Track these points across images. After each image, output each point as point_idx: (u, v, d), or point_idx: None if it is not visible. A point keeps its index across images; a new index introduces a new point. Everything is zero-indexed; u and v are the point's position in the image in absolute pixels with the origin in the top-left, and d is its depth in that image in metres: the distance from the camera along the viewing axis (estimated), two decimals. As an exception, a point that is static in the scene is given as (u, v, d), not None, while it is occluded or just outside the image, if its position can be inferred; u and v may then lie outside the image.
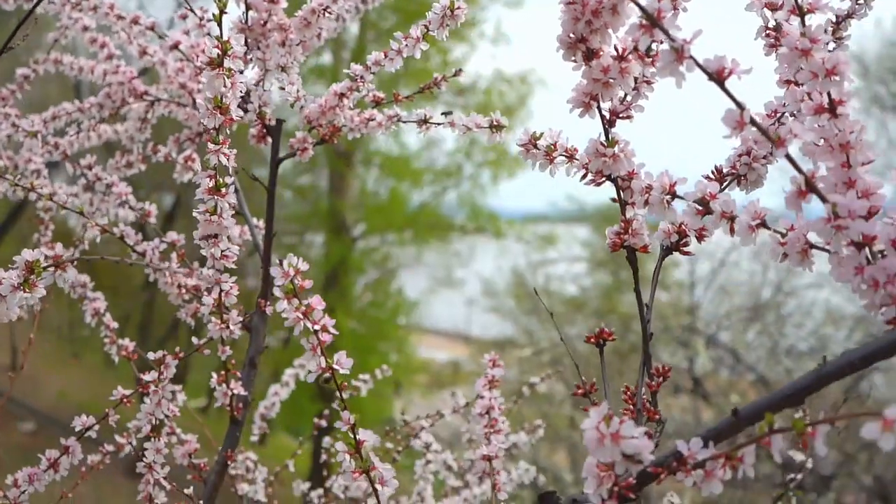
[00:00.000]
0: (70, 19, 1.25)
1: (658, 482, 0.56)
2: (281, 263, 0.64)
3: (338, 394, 0.67)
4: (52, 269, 0.68)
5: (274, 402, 1.48)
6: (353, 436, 0.68)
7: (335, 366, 0.66)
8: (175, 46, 1.10)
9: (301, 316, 0.65)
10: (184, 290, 1.07)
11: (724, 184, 0.71)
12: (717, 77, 0.53)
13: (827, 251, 0.56)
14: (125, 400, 0.96)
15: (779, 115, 0.72)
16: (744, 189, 0.72)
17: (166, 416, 1.01)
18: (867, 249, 0.55)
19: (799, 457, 1.15)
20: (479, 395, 1.02)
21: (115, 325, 1.15)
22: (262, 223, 1.16)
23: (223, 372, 1.00)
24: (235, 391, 1.01)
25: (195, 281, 1.06)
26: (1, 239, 8.18)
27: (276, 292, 0.64)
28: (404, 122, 1.01)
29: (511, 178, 11.64)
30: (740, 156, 0.71)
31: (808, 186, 0.54)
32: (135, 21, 1.13)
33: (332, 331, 0.66)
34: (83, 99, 1.28)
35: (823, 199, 0.54)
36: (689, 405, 7.23)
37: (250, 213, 1.17)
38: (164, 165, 1.33)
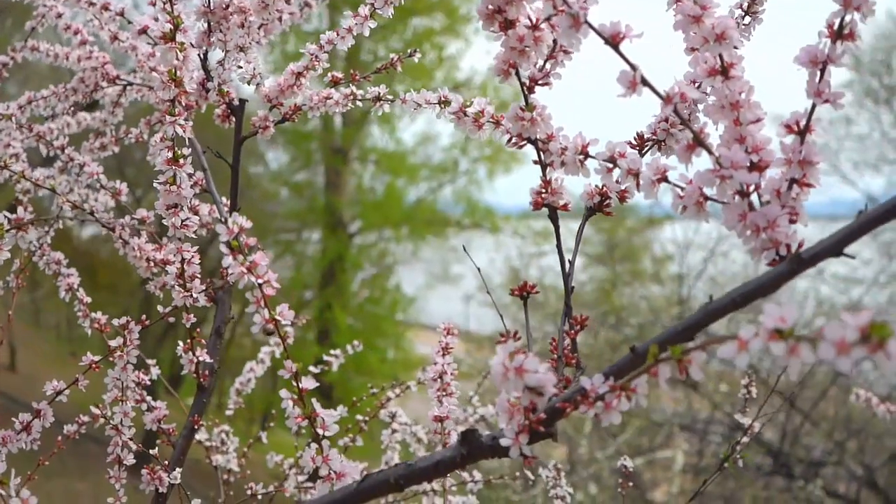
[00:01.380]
0: (45, 7, 1.30)
1: (565, 416, 0.61)
2: (225, 222, 0.69)
3: (282, 344, 0.72)
4: (14, 231, 0.73)
5: (249, 377, 1.53)
6: (296, 384, 0.73)
7: (277, 317, 0.71)
8: (143, 31, 1.14)
9: (245, 270, 0.69)
10: (152, 264, 1.11)
11: (645, 148, 0.76)
12: (612, 41, 0.58)
13: (720, 202, 0.61)
14: (94, 366, 1.01)
15: (696, 83, 0.76)
16: (664, 153, 0.77)
17: (136, 384, 1.06)
18: (754, 198, 0.60)
19: (745, 420, 1.20)
20: (434, 362, 1.07)
21: (88, 299, 1.19)
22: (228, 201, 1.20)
23: (189, 340, 1.05)
24: (201, 359, 1.06)
25: (163, 255, 1.11)
26: None
27: (222, 248, 0.69)
28: (360, 100, 1.06)
29: (507, 174, 11.69)
30: (660, 122, 0.76)
31: (697, 141, 0.59)
32: (105, 7, 1.18)
33: (275, 284, 0.71)
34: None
35: (710, 152, 0.59)
36: (683, 397, 7.30)
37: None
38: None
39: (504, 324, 0.92)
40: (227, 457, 1.36)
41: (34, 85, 1.51)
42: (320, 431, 0.73)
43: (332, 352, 1.50)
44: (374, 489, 0.66)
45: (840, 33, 0.59)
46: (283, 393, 0.73)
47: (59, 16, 1.29)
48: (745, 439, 1.16)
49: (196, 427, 1.09)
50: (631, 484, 1.20)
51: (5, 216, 0.73)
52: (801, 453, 6.38)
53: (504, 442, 0.62)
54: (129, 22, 1.19)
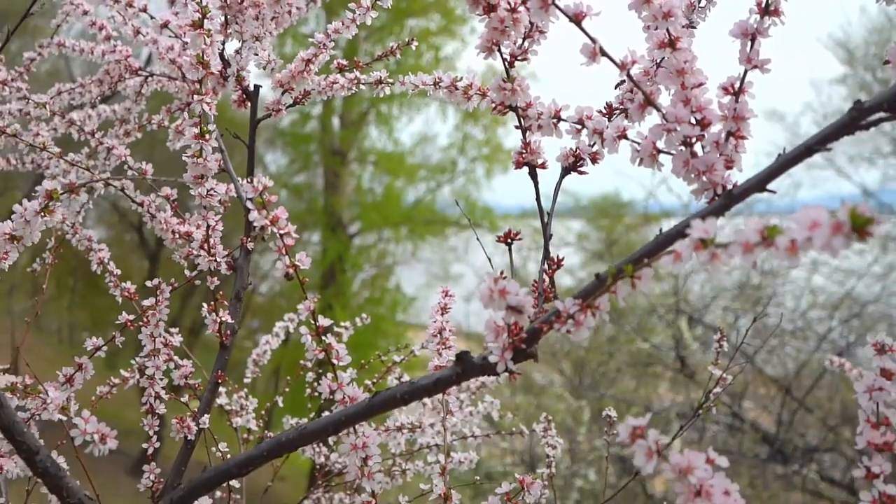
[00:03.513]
0: (71, 5, 1.41)
1: (543, 335, 0.73)
2: (251, 180, 0.80)
3: (300, 287, 0.84)
4: (67, 194, 0.84)
5: (265, 350, 1.65)
6: (314, 322, 0.85)
7: (297, 262, 0.83)
8: (165, 25, 1.26)
9: (269, 223, 0.81)
10: (177, 236, 1.23)
11: (613, 115, 0.88)
12: (576, 19, 0.70)
13: (669, 154, 0.73)
14: (128, 324, 1.13)
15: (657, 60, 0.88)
16: (630, 120, 0.89)
17: (164, 345, 1.17)
18: (697, 148, 0.71)
19: (716, 372, 1.31)
20: (433, 319, 1.18)
21: (118, 271, 1.31)
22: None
23: (212, 302, 1.17)
24: (224, 319, 1.18)
25: (186, 227, 1.23)
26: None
27: (248, 204, 0.81)
28: (363, 84, 1.17)
29: (505, 173, 11.81)
30: (625, 93, 0.88)
31: (647, 101, 0.71)
32: (129, 4, 1.30)
33: (294, 235, 0.82)
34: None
35: (658, 110, 0.70)
36: (683, 390, 7.42)
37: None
38: (165, 169, 1.49)
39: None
40: (245, 417, 1.47)
41: (35, 90, 1.62)
42: (335, 362, 0.84)
43: (342, 324, 1.61)
44: (383, 404, 0.78)
45: (767, 10, 0.71)
46: (303, 329, 0.85)
47: (86, 13, 1.41)
48: (718, 389, 1.27)
49: (219, 381, 1.20)
50: (613, 429, 1.31)
51: (59, 181, 0.84)
52: (796, 440, 6.50)
53: (492, 359, 0.73)
54: (152, 17, 1.31)
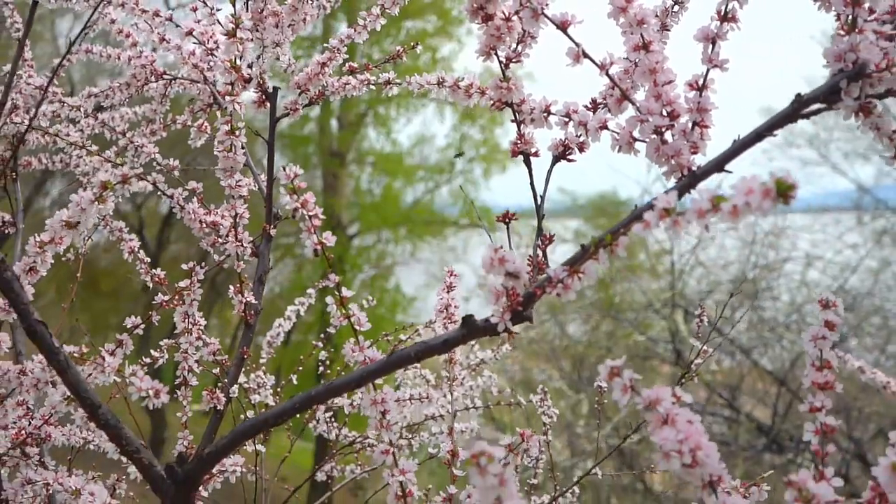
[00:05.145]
0: (99, 14, 1.53)
1: (537, 299, 0.84)
2: (284, 168, 0.92)
3: (325, 259, 0.96)
4: (120, 184, 0.96)
5: (279, 332, 1.77)
6: (339, 293, 0.96)
7: (324, 240, 0.94)
8: (189, 33, 1.38)
9: (299, 206, 0.93)
10: (204, 225, 1.35)
11: (597, 109, 1.00)
12: (562, 26, 0.82)
13: (644, 141, 0.85)
14: (164, 304, 1.24)
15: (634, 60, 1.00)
16: (610, 113, 1.01)
17: (193, 325, 1.29)
18: (668, 136, 0.83)
19: (696, 344, 1.42)
20: (439, 296, 1.30)
21: (148, 259, 1.43)
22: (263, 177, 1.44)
23: (238, 284, 1.28)
24: (248, 300, 1.29)
25: (213, 217, 1.35)
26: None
27: (282, 190, 0.92)
28: (373, 85, 1.29)
29: (503, 173, 11.94)
30: (608, 89, 1.00)
31: (623, 96, 0.83)
32: (156, 14, 1.42)
33: (321, 216, 0.94)
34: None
35: (633, 103, 0.82)
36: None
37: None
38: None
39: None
40: (264, 394, 1.59)
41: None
42: (357, 328, 0.96)
43: (350, 306, 1.72)
44: (399, 361, 0.90)
45: (725, 16, 0.83)
46: (329, 299, 0.96)
47: (113, 21, 1.52)
48: (699, 360, 1.39)
49: (245, 357, 1.32)
50: (604, 398, 1.43)
51: (113, 172, 0.96)
52: (791, 431, 6.63)
53: (493, 320, 0.85)
54: (177, 25, 1.43)
